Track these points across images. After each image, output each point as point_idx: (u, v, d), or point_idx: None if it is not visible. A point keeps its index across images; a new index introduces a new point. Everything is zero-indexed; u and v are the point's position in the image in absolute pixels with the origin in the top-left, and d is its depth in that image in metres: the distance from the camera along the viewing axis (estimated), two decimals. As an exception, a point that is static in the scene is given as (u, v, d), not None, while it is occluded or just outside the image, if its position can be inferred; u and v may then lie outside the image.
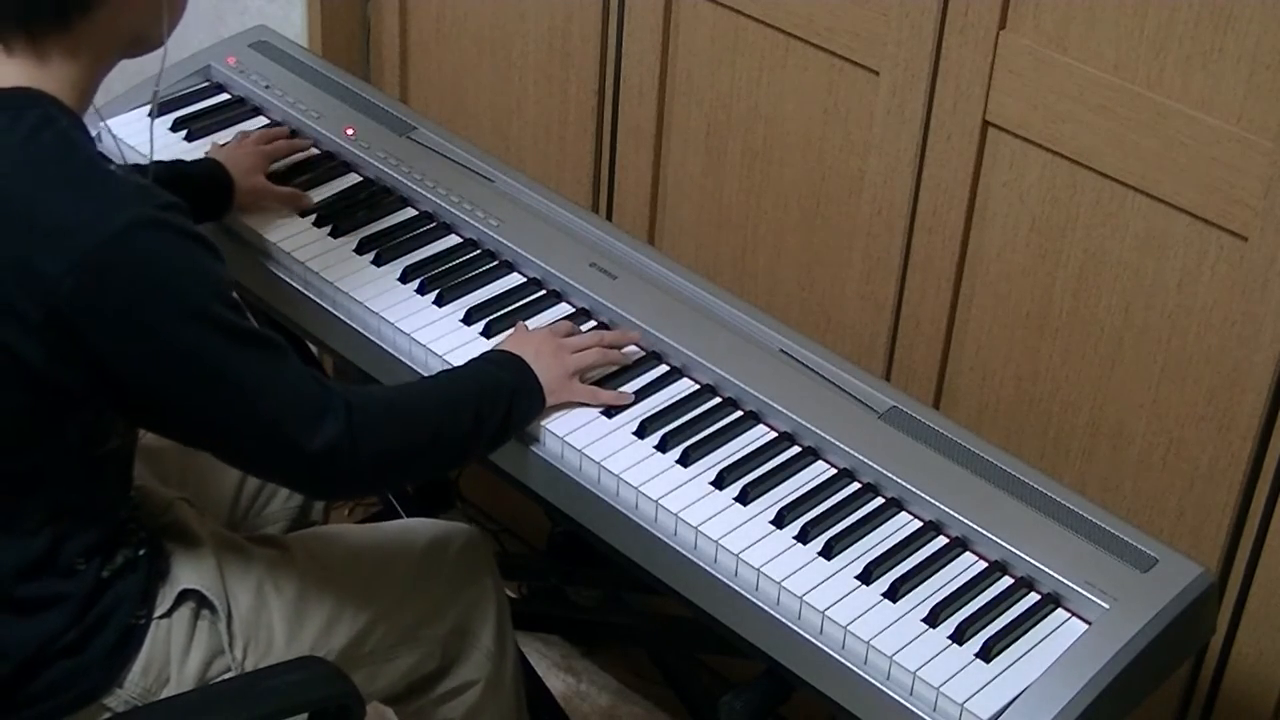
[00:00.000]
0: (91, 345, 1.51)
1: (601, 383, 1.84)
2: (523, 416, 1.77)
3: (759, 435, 1.80)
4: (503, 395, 1.74)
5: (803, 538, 1.68)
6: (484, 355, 1.82)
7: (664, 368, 1.87)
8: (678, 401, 1.83)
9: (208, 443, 1.63)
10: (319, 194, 2.10)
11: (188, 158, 2.10)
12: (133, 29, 1.61)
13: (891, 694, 1.57)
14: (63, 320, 1.49)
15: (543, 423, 1.78)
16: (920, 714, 1.55)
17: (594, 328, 1.92)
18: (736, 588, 1.65)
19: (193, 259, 1.55)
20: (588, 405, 1.81)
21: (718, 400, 1.84)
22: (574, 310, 1.95)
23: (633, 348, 1.89)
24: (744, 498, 1.71)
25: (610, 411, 1.80)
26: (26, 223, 1.50)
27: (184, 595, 1.74)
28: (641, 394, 1.83)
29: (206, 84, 2.30)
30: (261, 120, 2.23)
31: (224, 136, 2.18)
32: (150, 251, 1.51)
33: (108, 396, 1.56)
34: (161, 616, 1.72)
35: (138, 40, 1.63)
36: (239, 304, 1.59)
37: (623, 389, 1.83)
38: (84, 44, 1.58)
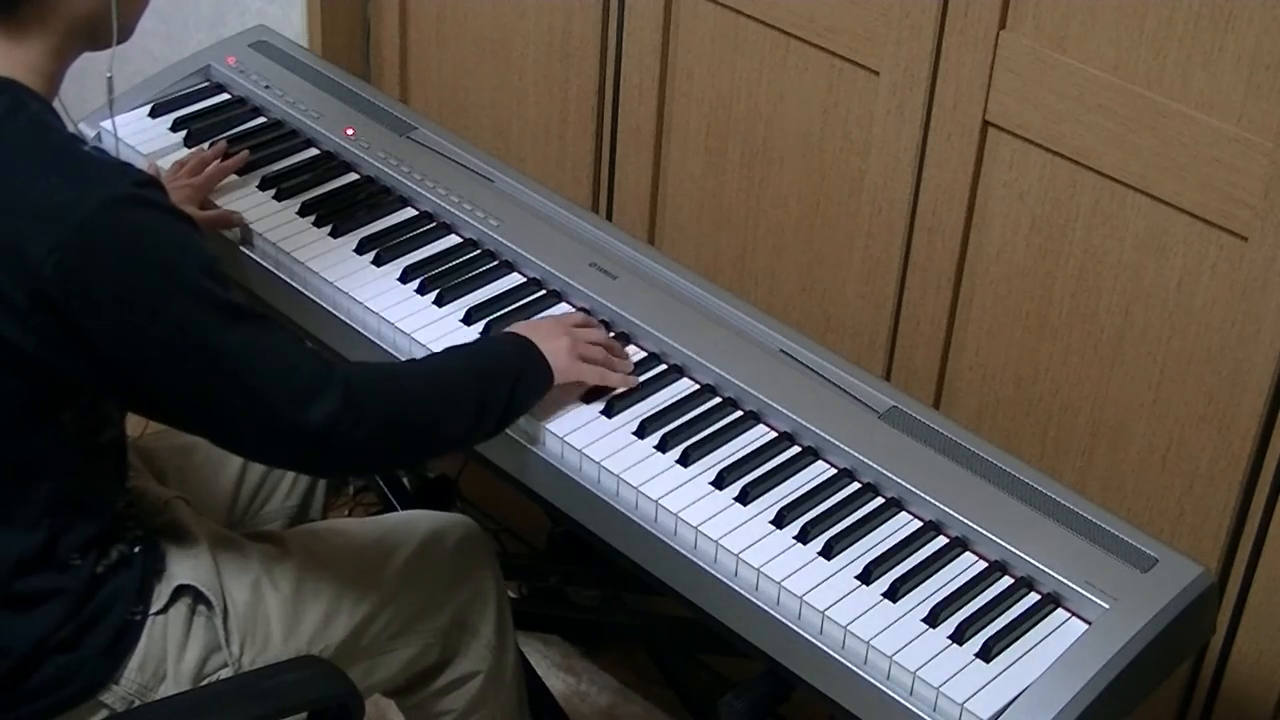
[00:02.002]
0: (80, 327, 1.50)
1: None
2: (529, 396, 1.75)
3: (759, 435, 1.80)
4: (507, 375, 1.73)
5: (803, 538, 1.68)
6: (490, 335, 1.81)
7: (664, 367, 1.87)
8: (678, 401, 1.83)
9: (201, 424, 1.62)
10: (319, 193, 2.10)
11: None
12: (87, 17, 1.59)
13: (891, 694, 1.56)
14: (50, 304, 1.48)
15: (543, 423, 1.78)
16: (920, 714, 1.55)
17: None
18: (736, 588, 1.65)
19: (174, 233, 1.53)
20: (591, 401, 1.80)
21: (718, 400, 1.84)
22: (574, 310, 1.95)
23: (633, 348, 1.89)
24: (744, 498, 1.71)
25: (610, 411, 1.80)
26: (7, 206, 1.49)
27: (180, 591, 1.74)
28: (642, 394, 1.83)
29: (206, 84, 2.30)
30: (261, 120, 2.23)
31: (220, 136, 2.18)
32: (131, 228, 1.50)
33: (100, 380, 1.55)
34: (158, 613, 1.72)
35: (95, 32, 1.61)
36: (225, 278, 1.57)
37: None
38: (34, 29, 1.56)
